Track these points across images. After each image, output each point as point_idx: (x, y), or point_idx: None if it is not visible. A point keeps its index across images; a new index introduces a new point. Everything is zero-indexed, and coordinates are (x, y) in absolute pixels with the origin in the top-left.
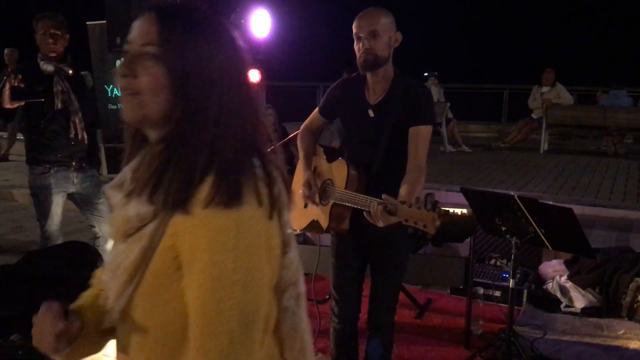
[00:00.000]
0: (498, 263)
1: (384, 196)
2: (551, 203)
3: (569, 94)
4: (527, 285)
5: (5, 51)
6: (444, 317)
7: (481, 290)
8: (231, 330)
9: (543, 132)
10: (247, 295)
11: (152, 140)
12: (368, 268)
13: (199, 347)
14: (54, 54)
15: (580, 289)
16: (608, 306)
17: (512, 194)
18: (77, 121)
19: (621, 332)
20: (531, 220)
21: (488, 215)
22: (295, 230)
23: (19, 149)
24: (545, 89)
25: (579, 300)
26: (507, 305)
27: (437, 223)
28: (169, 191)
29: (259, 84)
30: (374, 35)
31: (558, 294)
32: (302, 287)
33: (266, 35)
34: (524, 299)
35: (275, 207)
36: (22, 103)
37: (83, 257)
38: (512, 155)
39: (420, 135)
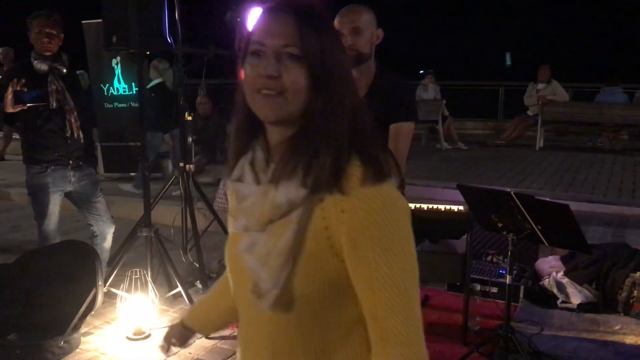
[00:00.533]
0: (495, 259)
1: None
2: (547, 199)
3: (564, 90)
4: (524, 282)
5: (0, 50)
6: (441, 313)
7: (478, 287)
8: (411, 297)
9: (539, 128)
10: (414, 262)
11: (279, 137)
12: None
13: (384, 316)
14: (48, 53)
15: (577, 285)
16: (604, 302)
17: (509, 190)
18: (72, 120)
19: (617, 327)
20: (527, 216)
21: (484, 211)
22: None
23: (15, 148)
24: (540, 85)
25: (576, 296)
26: (504, 302)
27: None
28: (322, 175)
29: None
30: (356, 32)
31: (555, 290)
32: None
33: None
34: (521, 295)
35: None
36: (25, 107)
37: (81, 256)
38: (508, 152)
39: (401, 132)
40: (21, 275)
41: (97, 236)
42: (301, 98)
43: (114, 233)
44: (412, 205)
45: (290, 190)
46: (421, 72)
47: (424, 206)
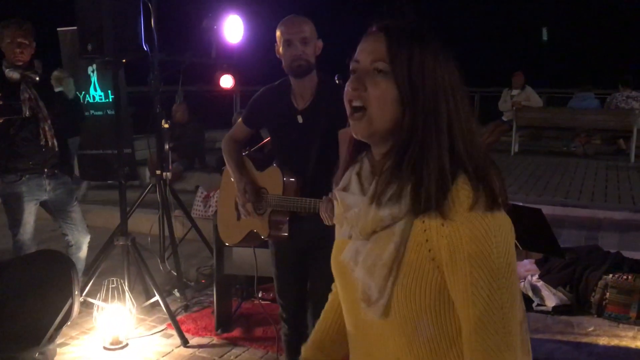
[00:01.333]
0: None
1: (332, 193)
2: (521, 204)
3: (538, 96)
4: None
5: None
6: None
7: None
8: (504, 315)
9: (514, 134)
10: (511, 285)
11: (378, 152)
12: None
13: (476, 330)
14: (20, 63)
15: (552, 288)
16: (578, 304)
17: None
18: (46, 128)
19: (591, 329)
20: None
21: None
22: (229, 245)
23: None
24: (515, 91)
25: (550, 299)
26: None
27: None
28: (427, 203)
29: (233, 90)
30: (304, 42)
31: (530, 293)
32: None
33: (239, 41)
34: None
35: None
36: (1, 120)
37: (56, 266)
38: None
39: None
40: None
41: (72, 246)
42: (387, 113)
43: (90, 242)
44: None
45: (393, 209)
46: None
47: None
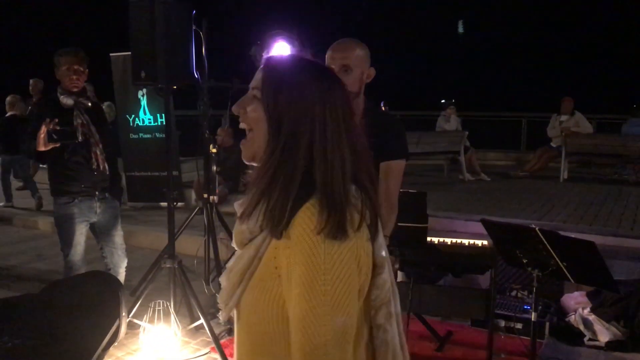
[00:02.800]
0: (519, 294)
1: None
2: (573, 236)
3: (588, 122)
4: (549, 318)
5: (31, 81)
6: (465, 349)
7: (502, 323)
8: (325, 333)
9: (562, 160)
10: (335, 315)
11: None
12: None
13: (299, 347)
14: (75, 89)
15: (604, 322)
16: (632, 340)
17: (533, 226)
18: (98, 152)
19: None
20: (553, 253)
21: (509, 247)
22: None
23: (41, 177)
24: (564, 117)
25: (603, 333)
26: (529, 338)
27: (395, 267)
28: (271, 223)
29: None
30: (345, 70)
31: (581, 327)
32: (393, 308)
33: None
34: (546, 332)
35: (367, 232)
36: (57, 145)
37: (105, 287)
38: (531, 184)
39: (390, 171)
40: (45, 305)
41: (110, 269)
42: (262, 136)
43: (135, 262)
44: (435, 240)
45: (251, 223)
46: (442, 101)
47: (448, 240)
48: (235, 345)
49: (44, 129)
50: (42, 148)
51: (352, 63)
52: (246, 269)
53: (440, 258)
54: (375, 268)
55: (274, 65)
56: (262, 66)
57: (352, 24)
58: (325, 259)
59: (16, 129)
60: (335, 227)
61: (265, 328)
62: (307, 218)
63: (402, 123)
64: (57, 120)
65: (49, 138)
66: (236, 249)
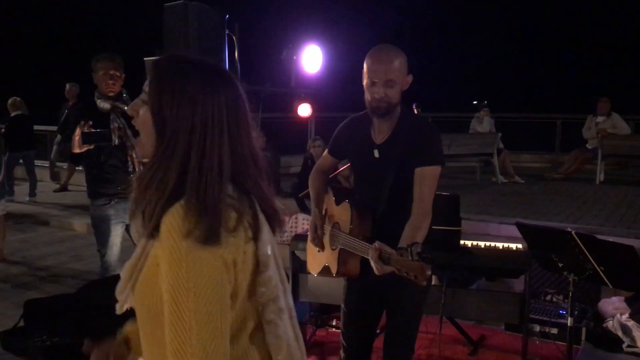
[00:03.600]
0: (554, 299)
1: (377, 243)
2: (610, 240)
3: (625, 123)
4: (586, 323)
5: (67, 86)
6: (498, 354)
7: (537, 327)
8: (191, 327)
9: (599, 162)
10: (200, 302)
11: None
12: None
13: (170, 340)
14: (112, 94)
15: None
16: None
17: (569, 229)
18: (133, 155)
19: None
20: (589, 257)
21: (544, 251)
22: (314, 274)
23: (77, 180)
24: (600, 118)
25: None
26: (564, 344)
27: (428, 273)
28: (146, 224)
29: (309, 117)
30: (390, 85)
31: (619, 333)
32: (283, 303)
33: (317, 70)
34: (583, 337)
35: (247, 232)
36: (91, 147)
37: None
38: (566, 186)
39: (425, 177)
40: (82, 305)
41: None
42: (150, 138)
43: None
44: (468, 243)
45: (137, 222)
46: (474, 102)
47: (482, 244)
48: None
49: (78, 131)
50: (76, 150)
51: (395, 77)
52: (135, 265)
53: (474, 261)
54: (259, 266)
55: (161, 67)
56: (151, 69)
57: (383, 26)
58: (187, 268)
59: (24, 127)
60: (205, 230)
61: (152, 319)
62: (173, 219)
63: (436, 128)
64: (91, 122)
65: (83, 140)
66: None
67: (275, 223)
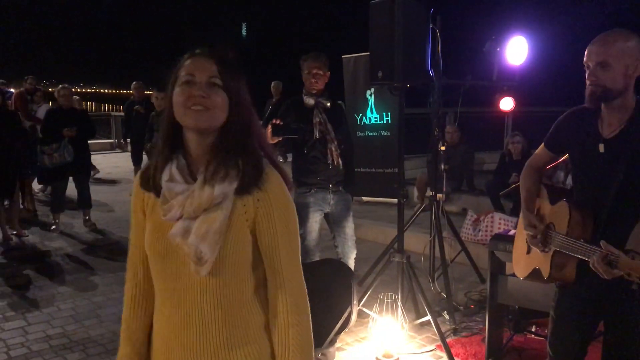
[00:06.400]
0: None
1: (603, 244)
2: None
3: None
4: None
5: (272, 84)
6: None
7: None
8: (298, 255)
9: None
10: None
11: (203, 143)
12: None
13: (283, 268)
14: (314, 91)
15: None
16: None
17: None
18: (333, 148)
19: None
20: None
21: None
22: (519, 277)
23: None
24: None
25: None
26: None
27: None
28: (250, 178)
29: (507, 112)
30: (603, 66)
31: None
32: None
33: (522, 62)
34: None
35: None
36: (280, 139)
37: (340, 275)
38: None
39: None
40: None
41: (340, 258)
42: (223, 114)
43: (360, 253)
44: None
45: (224, 187)
46: None
47: None
48: (193, 300)
49: (271, 124)
50: (269, 142)
51: (612, 58)
52: (223, 226)
53: None
54: None
55: (223, 59)
56: (208, 59)
57: (600, 15)
58: (291, 200)
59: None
60: (286, 179)
61: (239, 271)
62: (273, 175)
63: None
64: (279, 119)
65: (273, 133)
66: (186, 217)
67: None
